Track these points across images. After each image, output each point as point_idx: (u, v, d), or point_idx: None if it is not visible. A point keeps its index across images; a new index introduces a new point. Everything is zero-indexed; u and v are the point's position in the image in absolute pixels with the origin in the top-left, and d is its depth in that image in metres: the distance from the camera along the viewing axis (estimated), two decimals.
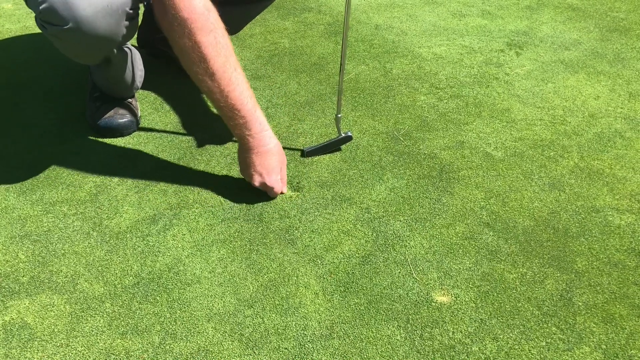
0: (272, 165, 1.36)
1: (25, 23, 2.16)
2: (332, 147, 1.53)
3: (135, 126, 1.61)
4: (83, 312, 1.12)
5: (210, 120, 1.66)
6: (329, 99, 1.76)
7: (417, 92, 1.80)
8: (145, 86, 1.72)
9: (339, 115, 1.51)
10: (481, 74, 1.90)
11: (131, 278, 1.19)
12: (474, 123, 1.66)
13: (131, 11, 1.30)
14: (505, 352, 1.06)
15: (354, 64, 1.94)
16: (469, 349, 1.06)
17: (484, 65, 1.94)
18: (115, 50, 1.41)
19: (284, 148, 1.45)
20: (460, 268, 1.22)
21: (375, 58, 1.98)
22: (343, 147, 1.55)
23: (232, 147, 1.55)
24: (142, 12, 1.88)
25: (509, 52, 2.03)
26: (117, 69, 1.52)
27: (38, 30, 2.04)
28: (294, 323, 1.11)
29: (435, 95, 1.78)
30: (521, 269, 1.22)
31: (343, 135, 1.53)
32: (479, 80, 1.86)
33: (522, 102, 1.76)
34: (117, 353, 1.05)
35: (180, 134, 1.61)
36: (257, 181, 1.36)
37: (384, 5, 2.36)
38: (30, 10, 2.19)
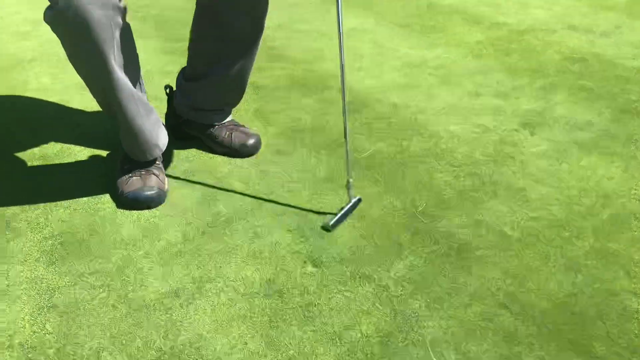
0: None
1: (62, 96, 2.29)
2: (348, 213, 1.63)
3: (162, 199, 1.67)
4: None
5: (234, 194, 1.72)
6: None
7: (434, 169, 1.85)
8: (173, 159, 1.79)
9: (351, 180, 1.61)
10: (496, 152, 1.95)
11: (153, 352, 1.22)
12: (490, 202, 1.70)
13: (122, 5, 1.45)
14: None
15: (372, 141, 2.01)
16: None
17: (499, 144, 2.00)
18: (119, 73, 1.49)
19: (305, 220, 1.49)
20: (478, 350, 1.23)
21: (392, 135, 2.05)
22: (363, 224, 1.60)
23: (254, 221, 1.60)
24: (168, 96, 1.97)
25: (523, 131, 2.09)
26: (127, 115, 1.57)
27: (74, 99, 2.15)
28: None
29: (451, 173, 1.84)
30: (539, 352, 1.22)
31: (354, 200, 1.64)
32: (495, 158, 1.92)
33: (537, 181, 1.80)
34: None
35: (206, 206, 1.66)
36: None
37: (402, 86, 2.46)
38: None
